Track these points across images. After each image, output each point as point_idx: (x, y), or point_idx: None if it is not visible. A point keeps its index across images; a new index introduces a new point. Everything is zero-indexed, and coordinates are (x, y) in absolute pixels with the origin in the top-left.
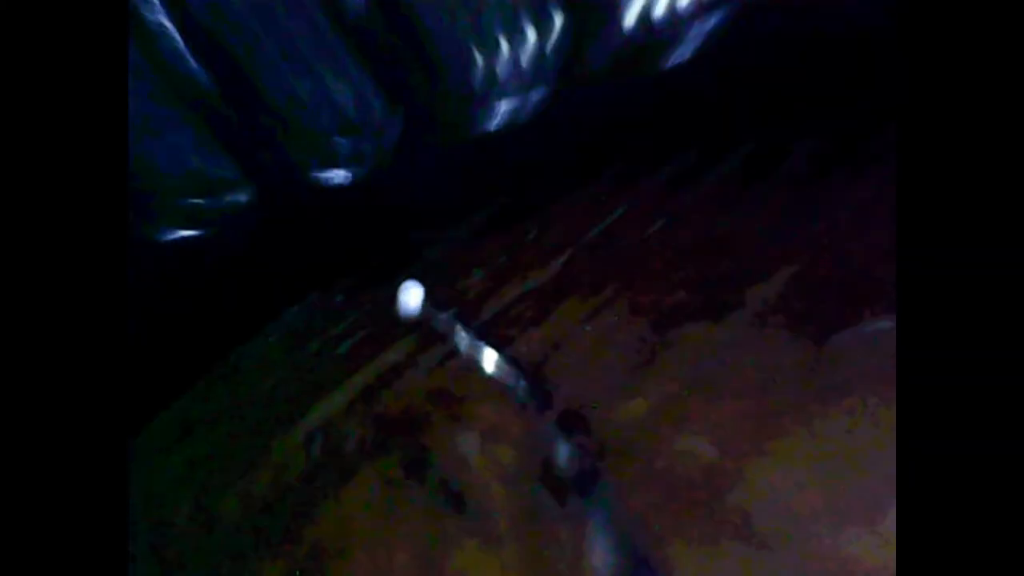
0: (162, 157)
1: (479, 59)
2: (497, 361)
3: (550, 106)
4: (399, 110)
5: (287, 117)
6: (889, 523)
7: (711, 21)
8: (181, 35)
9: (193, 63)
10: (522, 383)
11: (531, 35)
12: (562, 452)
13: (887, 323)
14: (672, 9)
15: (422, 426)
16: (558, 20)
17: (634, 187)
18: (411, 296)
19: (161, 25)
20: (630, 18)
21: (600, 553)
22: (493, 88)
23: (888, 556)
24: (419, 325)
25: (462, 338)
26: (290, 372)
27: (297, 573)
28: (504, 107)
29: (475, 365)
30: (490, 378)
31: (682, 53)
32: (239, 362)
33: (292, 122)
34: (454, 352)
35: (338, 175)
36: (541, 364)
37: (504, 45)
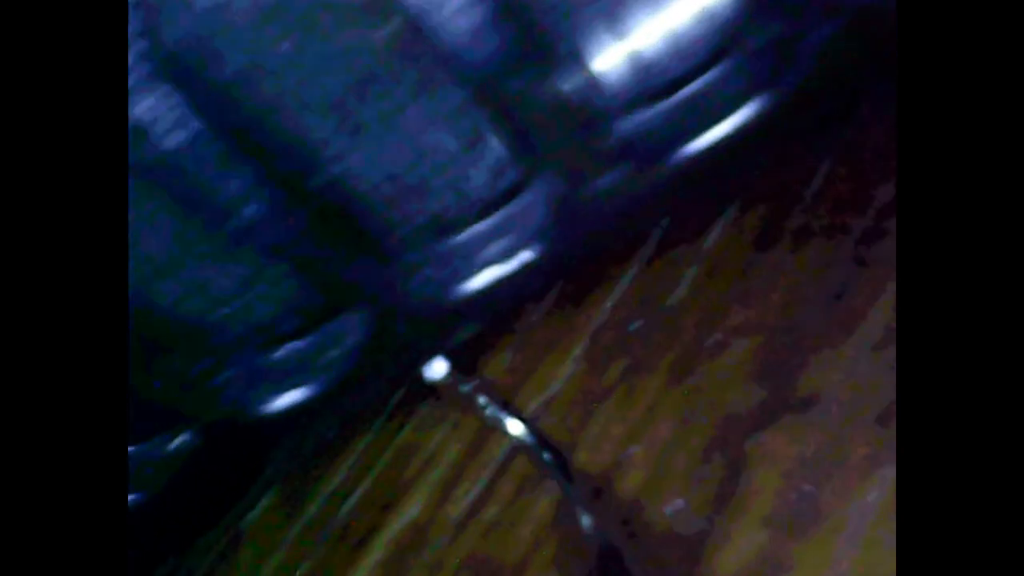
0: None
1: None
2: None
3: None
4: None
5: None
6: None
7: None
8: None
9: None
10: (546, 454)
11: None
12: (585, 521)
13: None
14: None
15: None
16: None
17: None
18: (435, 367)
19: None
20: None
21: None
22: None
23: None
24: (443, 396)
25: (486, 407)
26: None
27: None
28: None
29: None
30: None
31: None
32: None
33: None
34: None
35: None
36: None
37: None
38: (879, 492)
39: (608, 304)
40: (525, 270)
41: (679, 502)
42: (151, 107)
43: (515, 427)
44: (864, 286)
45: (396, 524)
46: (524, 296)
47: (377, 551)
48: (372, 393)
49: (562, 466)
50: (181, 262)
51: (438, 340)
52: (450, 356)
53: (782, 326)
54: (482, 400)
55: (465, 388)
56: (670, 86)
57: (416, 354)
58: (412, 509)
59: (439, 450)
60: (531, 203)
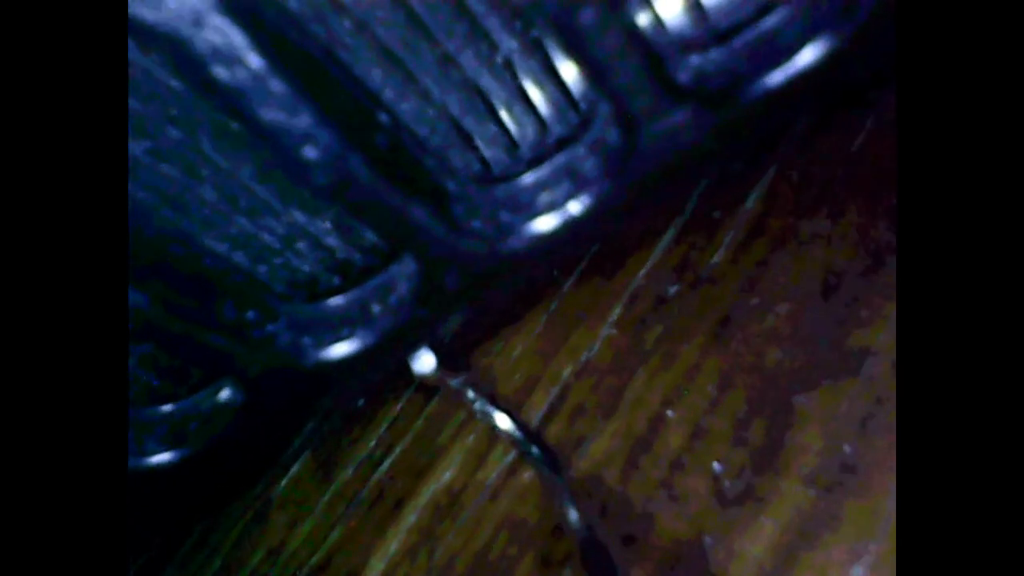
0: None
1: None
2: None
3: None
4: None
5: None
6: None
7: None
8: None
9: None
10: (534, 448)
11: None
12: (572, 516)
13: None
14: None
15: None
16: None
17: None
18: (424, 360)
19: None
20: None
21: None
22: None
23: None
24: (435, 388)
25: (475, 401)
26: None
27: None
28: None
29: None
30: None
31: None
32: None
33: None
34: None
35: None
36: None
37: None
38: None
39: (644, 270)
40: (576, 221)
41: (718, 465)
42: (213, 42)
43: (502, 421)
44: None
45: (431, 489)
46: (573, 250)
47: (411, 515)
48: (418, 343)
49: (552, 462)
50: (231, 212)
51: (483, 294)
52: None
53: (823, 288)
54: (471, 394)
55: (454, 383)
56: (734, 27)
57: (464, 307)
58: (446, 474)
59: (471, 417)
60: (585, 152)
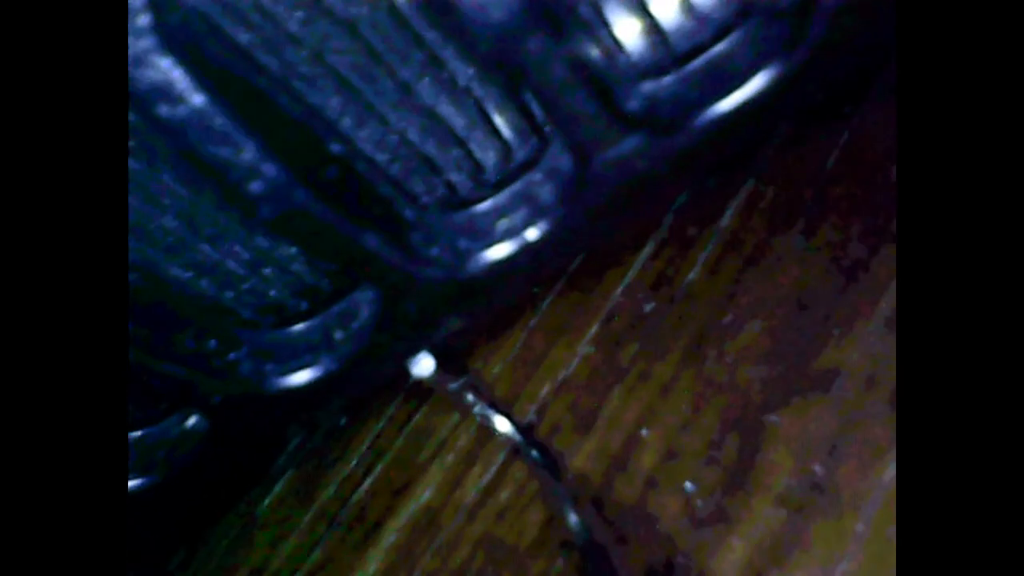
0: None
1: None
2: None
3: None
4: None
5: None
6: None
7: None
8: None
9: None
10: (534, 452)
11: None
12: (572, 519)
13: None
14: None
15: None
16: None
17: None
18: (423, 364)
19: None
20: None
21: None
22: None
23: None
24: (432, 391)
25: (474, 405)
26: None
27: None
28: None
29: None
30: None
31: None
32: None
33: None
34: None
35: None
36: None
37: None
38: (894, 470)
39: (621, 287)
40: (533, 248)
41: (690, 485)
42: (154, 80)
43: (502, 425)
44: (879, 265)
45: (409, 508)
46: (531, 276)
47: (390, 534)
48: (385, 372)
49: (551, 465)
50: (194, 240)
51: (447, 318)
52: (453, 343)
53: (796, 306)
54: (470, 398)
55: (453, 386)
56: (685, 54)
57: (427, 332)
58: (425, 493)
59: (452, 435)
60: (541, 179)
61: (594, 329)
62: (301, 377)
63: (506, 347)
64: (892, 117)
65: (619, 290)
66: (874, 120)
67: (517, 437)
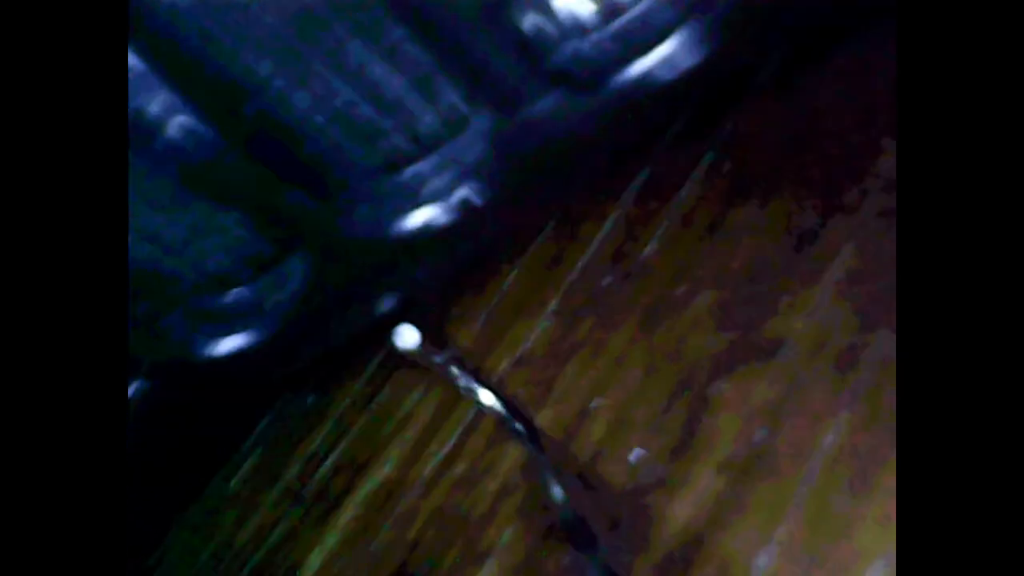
0: None
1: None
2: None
3: None
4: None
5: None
6: None
7: None
8: None
9: None
10: (518, 425)
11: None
12: (555, 491)
13: None
14: None
15: None
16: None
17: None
18: (407, 335)
19: None
20: None
21: None
22: None
23: None
24: (417, 365)
25: (458, 377)
26: None
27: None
28: None
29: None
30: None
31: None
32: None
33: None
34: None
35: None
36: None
37: None
38: (835, 436)
39: (582, 262)
40: (463, 207)
41: (638, 452)
42: None
43: (487, 397)
44: (828, 233)
45: (369, 484)
46: (463, 243)
47: (350, 510)
48: (318, 338)
49: (532, 436)
50: (133, 209)
51: (377, 282)
52: (421, 317)
53: (747, 276)
54: (455, 371)
55: (437, 359)
56: (609, 14)
57: (360, 305)
58: (385, 468)
59: (412, 411)
60: (469, 140)
61: (554, 304)
62: (231, 344)
63: (472, 321)
64: (846, 87)
65: (580, 265)
66: (832, 91)
67: (501, 409)
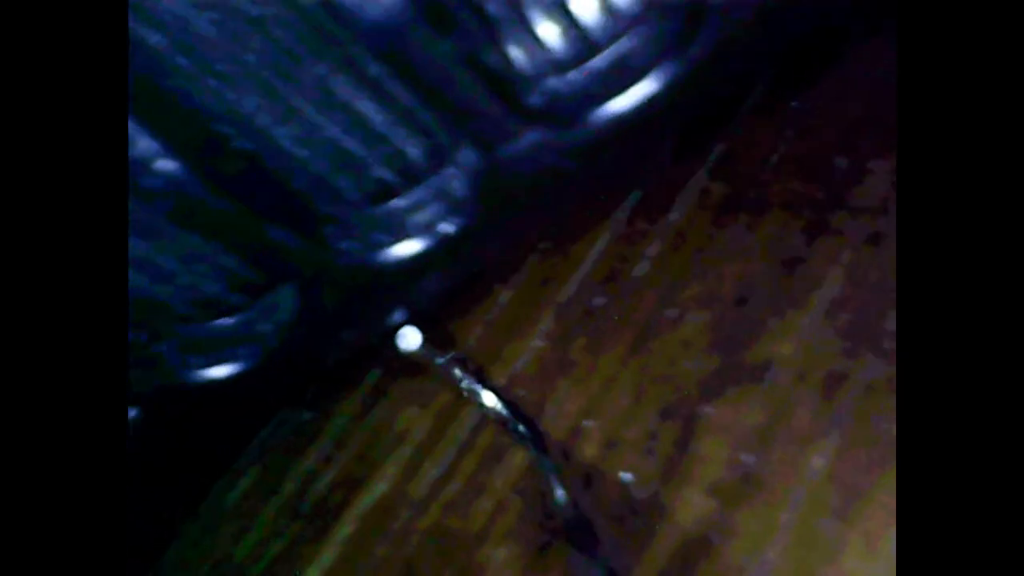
0: None
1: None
2: (495, 401)
3: None
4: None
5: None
6: None
7: None
8: None
9: None
10: (519, 425)
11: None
12: (558, 494)
13: None
14: None
15: None
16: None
17: None
18: (410, 337)
19: None
20: None
21: None
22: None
23: None
24: (420, 367)
25: (461, 379)
26: None
27: (296, 573)
28: None
29: (476, 401)
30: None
31: None
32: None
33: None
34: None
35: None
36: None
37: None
38: (823, 460)
39: (574, 282)
40: (445, 242)
41: (628, 475)
42: None
43: (489, 399)
44: (815, 256)
45: (365, 501)
46: (448, 272)
47: (346, 526)
48: (306, 366)
49: (535, 438)
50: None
51: (363, 313)
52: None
53: (736, 298)
54: (457, 372)
55: (440, 360)
56: (588, 51)
57: (344, 327)
58: (381, 485)
59: (409, 428)
60: (453, 173)
61: (547, 324)
62: (223, 370)
63: (464, 340)
64: (836, 109)
65: (572, 285)
66: (819, 114)
67: (503, 411)
